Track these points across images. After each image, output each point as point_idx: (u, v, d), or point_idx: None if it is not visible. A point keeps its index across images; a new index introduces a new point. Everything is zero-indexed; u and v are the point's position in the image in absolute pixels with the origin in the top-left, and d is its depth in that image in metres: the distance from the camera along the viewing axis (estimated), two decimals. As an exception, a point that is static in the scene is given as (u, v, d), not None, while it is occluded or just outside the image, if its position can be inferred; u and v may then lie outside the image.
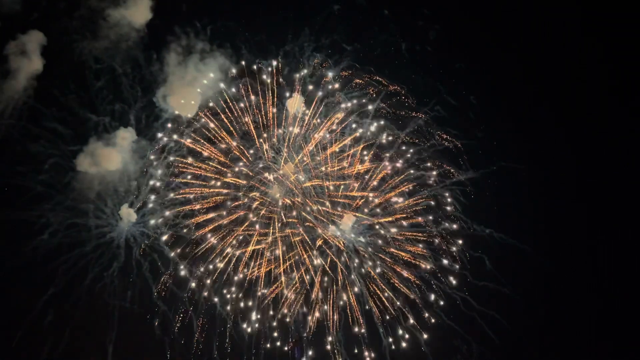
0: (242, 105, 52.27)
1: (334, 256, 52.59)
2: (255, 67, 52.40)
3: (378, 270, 51.42)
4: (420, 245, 51.53)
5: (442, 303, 49.18)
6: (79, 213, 46.99)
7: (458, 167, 50.35)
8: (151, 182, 49.89)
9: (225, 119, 51.64)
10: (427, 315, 49.65)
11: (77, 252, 46.66)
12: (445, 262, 50.33)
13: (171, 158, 50.14)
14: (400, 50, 54.14)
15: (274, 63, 53.26)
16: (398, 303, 50.44)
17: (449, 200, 50.84)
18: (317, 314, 50.98)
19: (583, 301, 42.70)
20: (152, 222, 49.25)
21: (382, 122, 53.31)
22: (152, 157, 50.15)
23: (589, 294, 42.78)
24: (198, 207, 51.07)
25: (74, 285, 45.83)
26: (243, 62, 51.43)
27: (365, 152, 53.53)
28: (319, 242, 52.55)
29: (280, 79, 54.07)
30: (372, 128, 53.72)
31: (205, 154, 51.79)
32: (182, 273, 49.94)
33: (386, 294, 50.94)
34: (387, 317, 50.34)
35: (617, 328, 40.99)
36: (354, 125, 54.52)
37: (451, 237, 50.77)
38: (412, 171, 51.69)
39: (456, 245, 50.36)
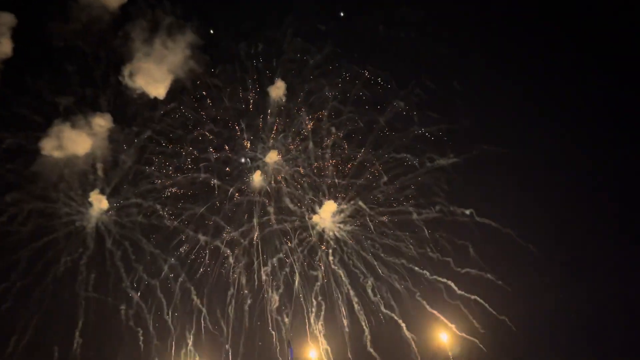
0: (219, 88, 51.41)
1: (316, 246, 51.50)
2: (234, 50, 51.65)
3: (361, 257, 50.34)
4: (404, 233, 50.42)
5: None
6: (48, 200, 45.27)
7: (440, 152, 49.41)
8: (124, 169, 48.33)
9: (200, 103, 50.72)
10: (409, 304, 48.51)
11: (45, 240, 44.96)
12: (428, 249, 49.20)
13: (145, 144, 48.85)
14: (383, 36, 53.69)
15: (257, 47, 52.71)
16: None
17: (431, 186, 49.88)
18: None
19: (568, 285, 41.99)
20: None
21: (365, 108, 52.69)
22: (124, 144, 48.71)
23: (574, 278, 42.08)
24: (173, 195, 49.62)
25: (44, 274, 44.02)
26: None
27: (345, 141, 52.90)
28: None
29: (260, 63, 53.21)
30: (353, 114, 52.89)
31: (181, 140, 50.57)
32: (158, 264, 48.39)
33: (369, 283, 49.78)
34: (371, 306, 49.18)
35: (602, 310, 40.29)
36: (334, 113, 53.92)
37: (434, 224, 49.77)
38: (394, 156, 50.71)
39: (439, 232, 49.29)
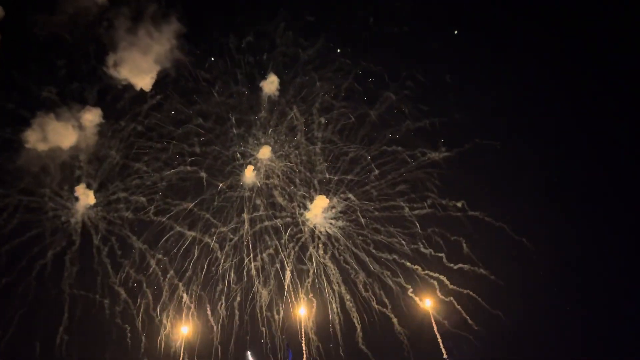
0: (208, 82, 50.66)
1: (307, 242, 50.76)
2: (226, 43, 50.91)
3: (353, 254, 49.64)
4: (397, 229, 49.75)
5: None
6: (33, 195, 44.32)
7: (433, 146, 48.84)
8: (111, 164, 47.41)
9: (190, 97, 49.93)
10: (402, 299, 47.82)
11: (30, 235, 44.00)
12: (420, 245, 48.53)
13: (133, 139, 48.01)
14: (374, 30, 53.19)
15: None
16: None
17: (424, 181, 49.25)
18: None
19: (562, 278, 41.51)
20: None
21: (357, 102, 52.06)
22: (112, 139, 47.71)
23: (568, 272, 41.60)
24: (161, 190, 48.75)
25: (28, 269, 43.12)
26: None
27: (337, 135, 52.27)
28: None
29: (251, 57, 52.54)
30: (345, 109, 52.34)
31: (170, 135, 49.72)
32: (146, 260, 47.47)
33: (361, 279, 49.07)
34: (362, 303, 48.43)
35: (597, 304, 39.95)
36: (326, 108, 53.32)
37: (427, 219, 49.13)
38: (385, 149, 50.06)
39: (432, 228, 48.63)
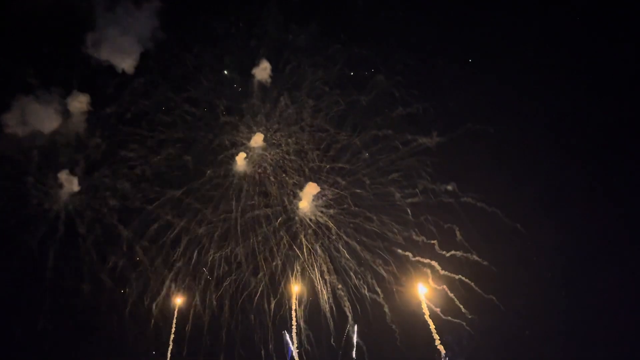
0: (197, 68, 49.51)
1: (298, 230, 49.99)
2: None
3: (344, 242, 48.92)
4: (388, 216, 49.00)
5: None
6: (15, 181, 43.07)
7: (425, 132, 48.02)
8: (97, 150, 46.22)
9: (177, 83, 48.60)
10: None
11: (11, 222, 42.86)
12: (413, 232, 47.80)
13: (118, 124, 46.77)
14: (365, 14, 52.32)
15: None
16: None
17: (415, 167, 48.48)
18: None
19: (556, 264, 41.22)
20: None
21: (349, 88, 51.19)
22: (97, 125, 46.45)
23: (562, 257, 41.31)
24: (149, 178, 47.67)
25: (8, 257, 42.03)
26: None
27: (328, 122, 51.40)
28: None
29: (241, 42, 51.53)
30: (337, 95, 51.47)
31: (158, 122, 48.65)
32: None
33: (352, 267, 48.39)
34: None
35: (591, 288, 39.63)
36: (317, 94, 52.42)
37: (419, 207, 48.36)
38: (376, 133, 49.19)
39: (424, 215, 47.90)
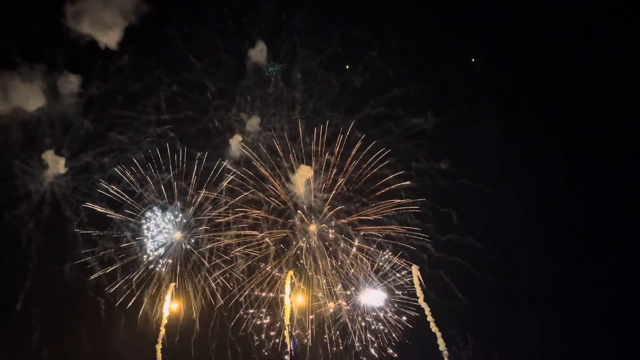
0: (187, 49, 48.20)
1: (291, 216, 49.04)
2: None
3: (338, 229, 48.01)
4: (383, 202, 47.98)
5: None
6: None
7: (418, 114, 46.99)
8: (82, 130, 44.78)
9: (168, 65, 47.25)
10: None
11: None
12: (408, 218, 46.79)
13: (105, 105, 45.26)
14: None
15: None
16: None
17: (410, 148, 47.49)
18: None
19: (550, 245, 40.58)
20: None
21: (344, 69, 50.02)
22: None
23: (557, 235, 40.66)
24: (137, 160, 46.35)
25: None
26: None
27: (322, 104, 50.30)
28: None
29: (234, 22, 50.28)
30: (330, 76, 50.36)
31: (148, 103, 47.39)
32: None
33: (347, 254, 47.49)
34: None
35: (587, 268, 39.05)
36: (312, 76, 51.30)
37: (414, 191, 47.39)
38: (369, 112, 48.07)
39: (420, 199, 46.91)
